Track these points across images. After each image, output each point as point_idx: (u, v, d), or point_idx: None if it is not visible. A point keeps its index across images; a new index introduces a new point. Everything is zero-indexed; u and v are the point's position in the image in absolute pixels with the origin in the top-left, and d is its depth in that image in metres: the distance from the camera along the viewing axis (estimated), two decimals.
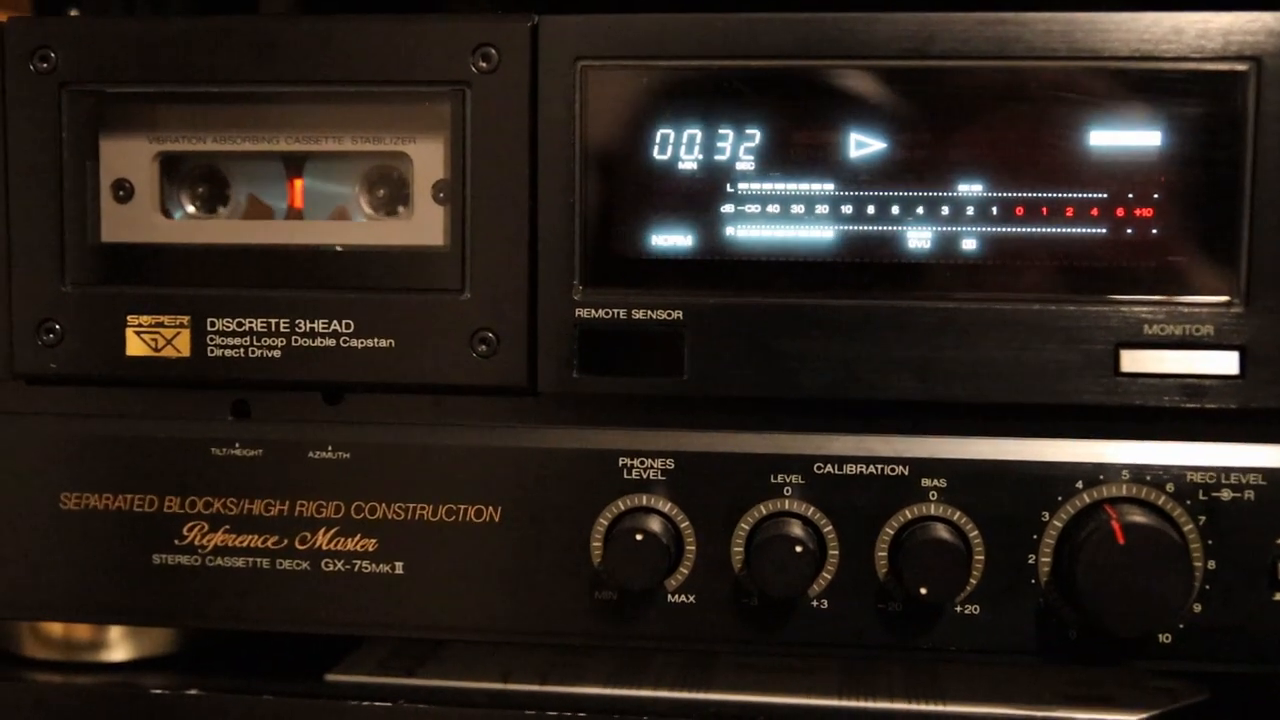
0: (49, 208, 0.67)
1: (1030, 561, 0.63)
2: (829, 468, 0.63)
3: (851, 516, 0.63)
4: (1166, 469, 0.62)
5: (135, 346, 0.66)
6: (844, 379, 0.63)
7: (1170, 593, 0.59)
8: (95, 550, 0.68)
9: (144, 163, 0.67)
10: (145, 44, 0.66)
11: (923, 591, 0.61)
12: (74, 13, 0.79)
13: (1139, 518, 0.60)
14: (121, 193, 0.67)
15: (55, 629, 0.74)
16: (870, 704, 0.68)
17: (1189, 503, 0.61)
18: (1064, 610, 0.62)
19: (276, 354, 0.65)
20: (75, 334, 0.67)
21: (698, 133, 0.63)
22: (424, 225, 0.65)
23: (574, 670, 0.72)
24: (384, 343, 0.65)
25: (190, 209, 0.68)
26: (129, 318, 0.66)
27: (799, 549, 0.62)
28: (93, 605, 0.69)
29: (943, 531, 0.62)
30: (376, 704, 0.67)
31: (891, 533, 0.63)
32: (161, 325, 0.66)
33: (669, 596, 0.65)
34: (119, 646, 0.75)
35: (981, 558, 0.63)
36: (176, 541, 0.68)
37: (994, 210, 0.62)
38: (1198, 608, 0.62)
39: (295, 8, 0.82)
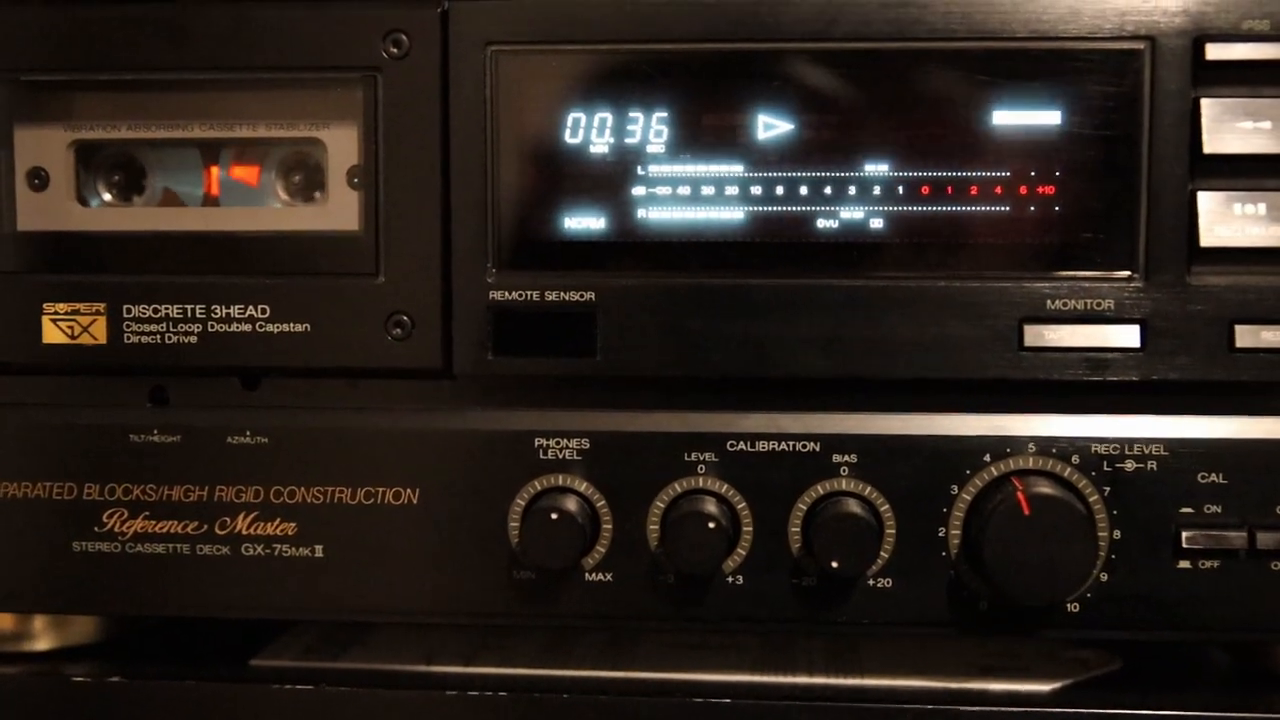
0: None
1: (940, 534, 0.64)
2: (741, 445, 0.64)
3: (764, 493, 0.64)
4: (1071, 441, 0.63)
5: (52, 334, 0.67)
6: (755, 357, 0.64)
7: (1075, 562, 0.61)
8: (15, 539, 0.68)
9: (59, 151, 0.67)
10: (59, 31, 0.66)
11: (835, 565, 0.62)
12: None
13: (1044, 489, 0.61)
14: (37, 181, 0.67)
15: None
16: (790, 679, 0.69)
17: (1094, 474, 0.63)
18: (974, 582, 0.64)
19: (193, 340, 0.66)
20: None
21: (608, 116, 0.64)
22: (338, 211, 0.66)
23: (499, 651, 0.72)
24: (300, 327, 0.65)
25: (107, 197, 0.68)
26: (45, 305, 0.66)
27: (712, 525, 0.62)
28: (13, 594, 0.69)
29: (854, 506, 0.63)
30: (300, 688, 0.68)
31: (804, 508, 0.64)
32: (78, 313, 0.66)
33: (587, 575, 0.65)
34: (43, 636, 0.74)
35: (893, 531, 0.64)
36: (96, 529, 0.68)
37: (899, 189, 0.63)
38: (1104, 577, 0.63)
39: None
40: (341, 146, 0.65)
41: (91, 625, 0.75)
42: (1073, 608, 0.63)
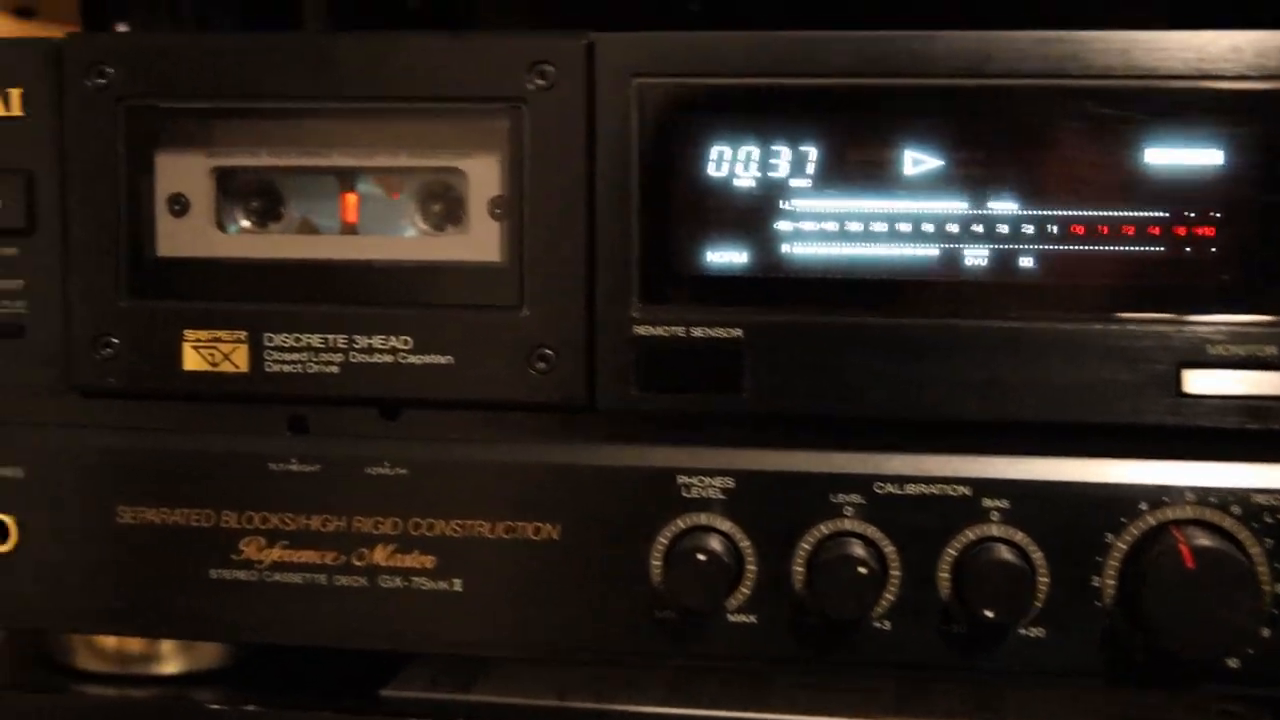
0: (106, 222, 0.67)
1: (1094, 584, 0.62)
2: (890, 487, 0.63)
3: (913, 537, 0.63)
4: (1231, 491, 0.61)
5: (192, 361, 0.66)
6: (904, 398, 0.62)
7: (1239, 617, 0.59)
8: (152, 564, 0.68)
9: (200, 177, 0.67)
10: (201, 59, 0.66)
11: (988, 614, 0.61)
12: (122, 27, 0.78)
13: (1207, 540, 0.59)
14: (177, 207, 0.67)
15: (108, 641, 0.74)
16: None
17: (1255, 525, 0.61)
18: (1129, 633, 0.62)
19: (334, 369, 0.65)
20: (132, 348, 0.66)
21: (754, 150, 0.63)
22: (480, 241, 0.65)
23: (630, 689, 0.71)
24: (443, 359, 0.64)
25: (245, 223, 0.68)
26: (186, 332, 0.66)
27: (862, 569, 0.61)
28: (150, 619, 0.69)
29: (1006, 553, 0.61)
30: None
31: (954, 554, 0.62)
32: (219, 340, 0.66)
33: (729, 616, 0.64)
34: (171, 660, 0.74)
35: (1045, 579, 0.62)
36: (233, 556, 0.67)
37: (1053, 229, 0.62)
38: (1266, 632, 0.61)
39: (329, 23, 0.81)
40: (483, 176, 0.65)
41: (218, 650, 0.75)
42: (1233, 663, 0.61)
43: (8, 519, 0.69)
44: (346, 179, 0.67)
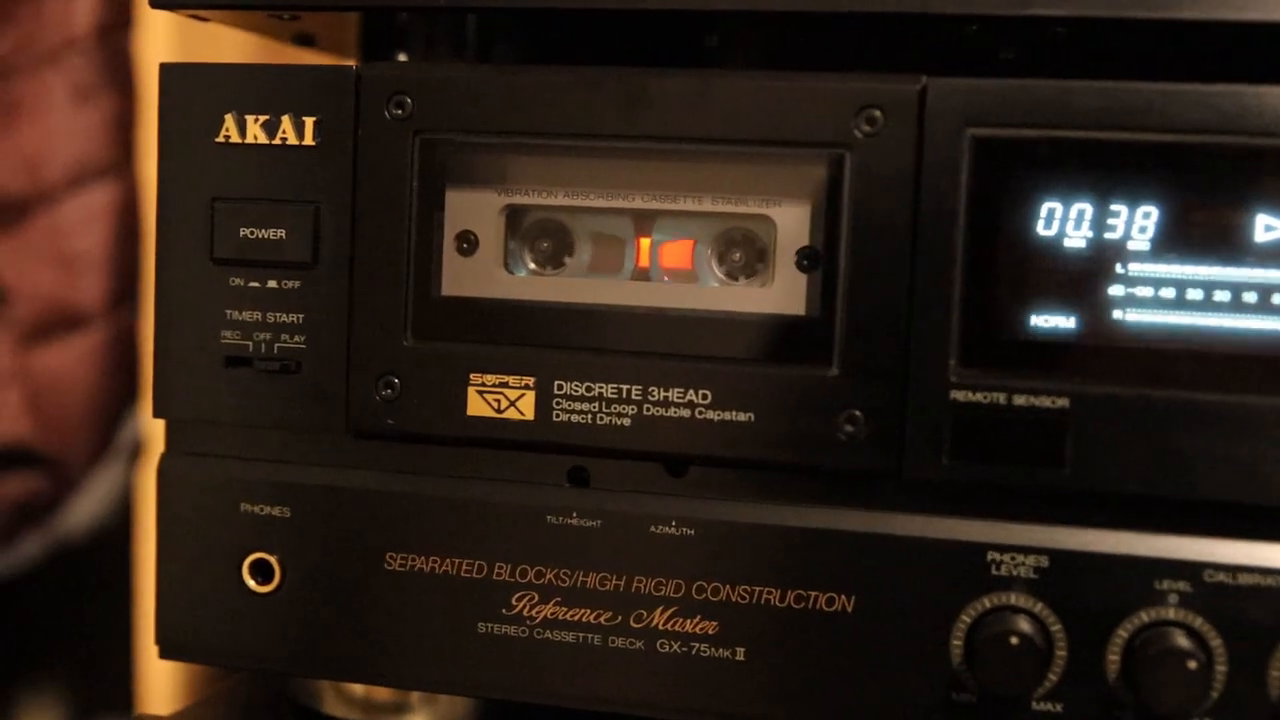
0: (392, 258, 0.64)
1: None
2: (1221, 576, 0.58)
3: (1244, 630, 0.58)
4: None
5: (477, 406, 0.64)
6: (1243, 480, 0.58)
7: None
8: (420, 614, 0.65)
9: (490, 215, 0.65)
10: (502, 93, 0.63)
11: None
12: (402, 57, 0.76)
13: None
14: (465, 245, 0.65)
15: (356, 689, 0.72)
16: None
17: None
18: None
19: (626, 422, 0.62)
20: (415, 390, 0.64)
21: (1088, 208, 0.59)
22: (785, 294, 0.62)
23: None
24: (743, 416, 0.61)
25: (531, 265, 0.65)
26: (471, 376, 0.64)
27: (1192, 665, 0.57)
28: (413, 670, 0.66)
29: None
30: None
31: None
32: (506, 385, 0.63)
33: (1034, 704, 0.60)
34: (419, 711, 0.72)
35: None
36: (504, 611, 0.65)
37: None
38: None
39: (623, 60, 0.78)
40: (792, 225, 0.62)
41: (469, 705, 0.72)
42: None
43: (271, 559, 0.67)
44: (643, 222, 0.64)
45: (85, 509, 1.18)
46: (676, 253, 0.64)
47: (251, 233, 0.66)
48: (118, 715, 1.24)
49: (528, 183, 0.65)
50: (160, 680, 1.06)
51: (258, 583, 0.67)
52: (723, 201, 0.63)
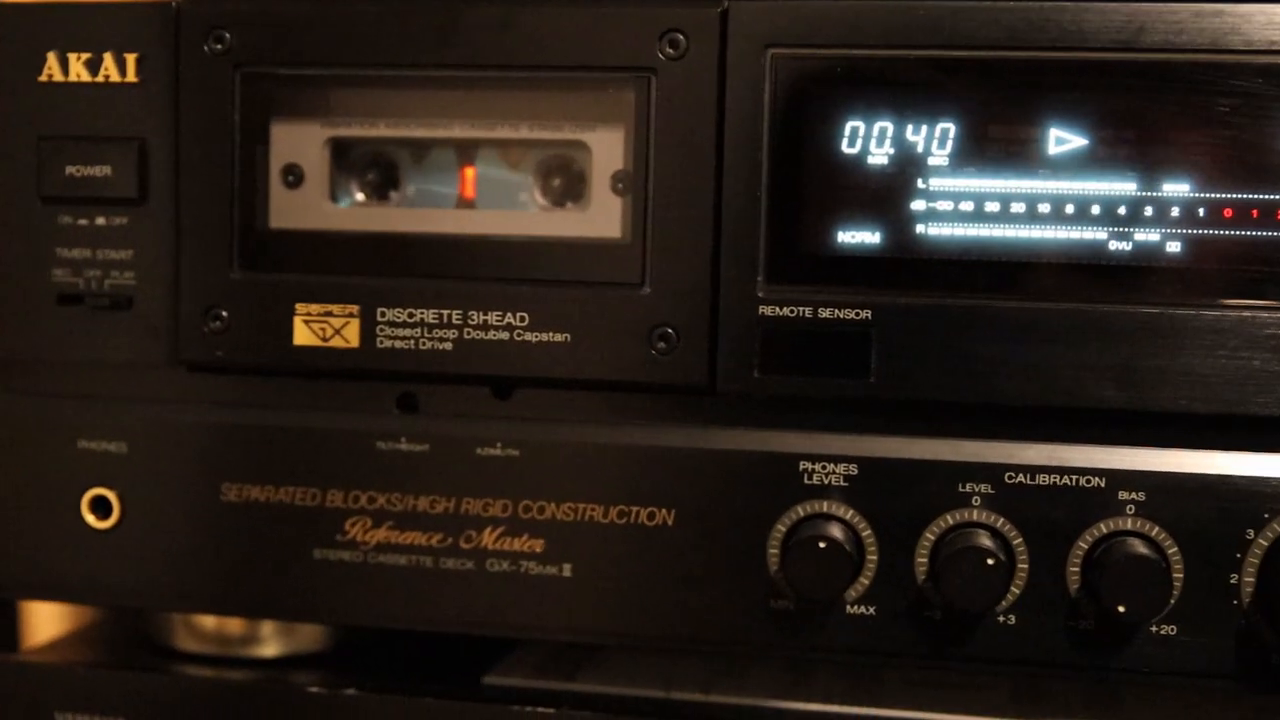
0: (218, 192, 0.65)
1: (1233, 581, 0.60)
2: (1021, 477, 0.61)
3: (1043, 529, 0.61)
4: None
5: (303, 335, 0.65)
6: (1039, 385, 0.60)
7: None
8: (255, 543, 0.67)
9: (315, 147, 0.66)
10: (321, 25, 0.64)
11: (1120, 610, 0.58)
12: None
13: None
14: (291, 178, 0.66)
15: (207, 622, 0.73)
16: None
17: None
18: (1268, 634, 0.59)
19: (448, 346, 0.64)
20: (242, 321, 0.65)
21: (889, 125, 0.61)
22: (601, 217, 0.63)
23: (737, 680, 0.69)
24: (559, 337, 0.63)
25: (359, 196, 0.66)
26: (297, 306, 0.65)
27: (990, 561, 0.59)
28: (252, 600, 0.67)
29: (1141, 547, 0.59)
30: (539, 709, 0.65)
31: (1085, 547, 0.60)
32: (330, 314, 0.64)
33: (848, 607, 0.62)
34: (271, 642, 0.73)
35: (1180, 576, 0.60)
36: (338, 537, 0.66)
37: (1201, 212, 0.59)
38: None
39: None
40: (607, 150, 0.63)
41: (319, 634, 0.73)
42: None
43: (110, 494, 0.68)
44: (465, 151, 0.65)
45: None
46: (499, 181, 0.66)
47: (78, 170, 0.66)
48: None
49: (351, 115, 0.66)
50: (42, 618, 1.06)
51: (98, 518, 0.68)
52: (540, 129, 0.65)
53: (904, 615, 0.62)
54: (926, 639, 0.62)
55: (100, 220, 0.66)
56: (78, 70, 0.66)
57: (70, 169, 0.66)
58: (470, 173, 0.66)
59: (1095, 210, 0.60)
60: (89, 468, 0.68)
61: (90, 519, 0.68)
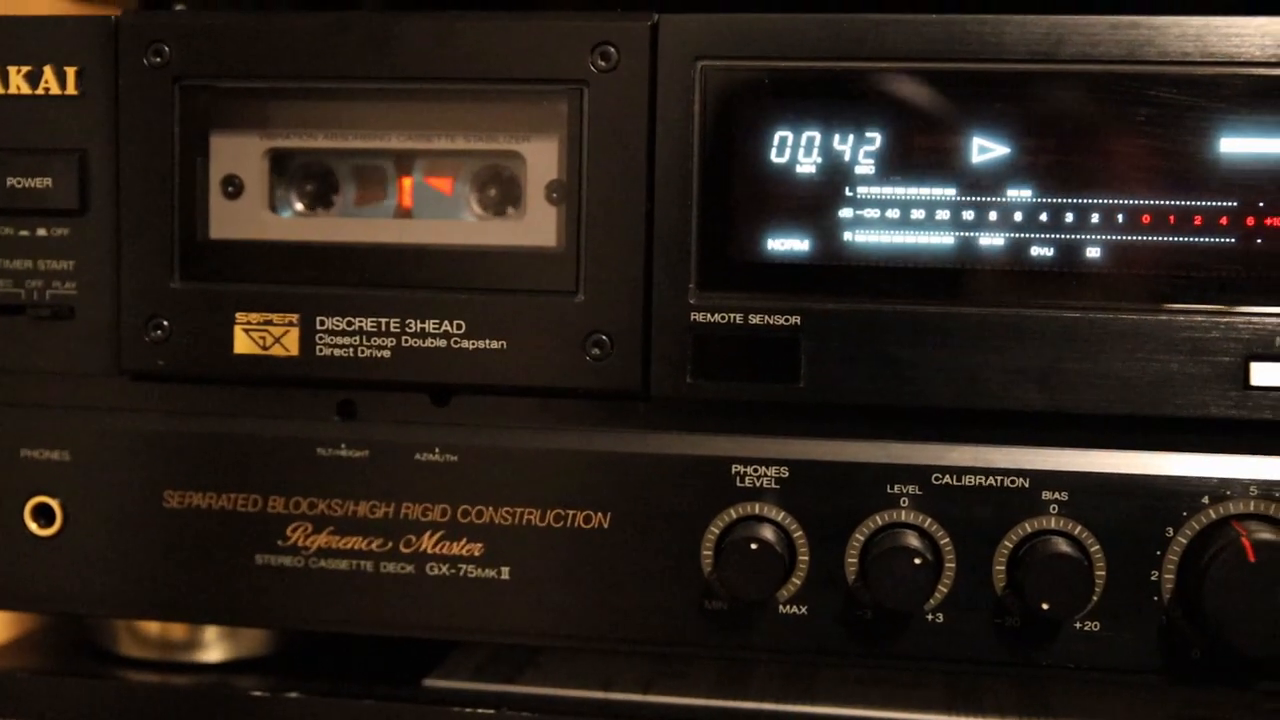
0: (159, 203, 0.66)
1: (1153, 578, 0.61)
2: (947, 478, 0.62)
3: (969, 529, 0.62)
4: None
5: (243, 344, 0.66)
6: (964, 388, 0.62)
7: None
8: (198, 549, 0.67)
9: (254, 159, 0.67)
10: (259, 39, 0.65)
11: (1044, 607, 0.60)
12: (180, 6, 0.78)
13: (1269, 535, 0.59)
14: (231, 189, 0.67)
15: (151, 627, 0.74)
16: None
17: None
18: (1187, 629, 0.61)
19: (386, 354, 0.65)
20: (183, 330, 0.66)
21: (817, 135, 0.62)
22: (536, 226, 0.64)
23: (676, 680, 0.71)
24: (495, 344, 0.64)
25: (299, 206, 0.67)
26: (237, 315, 0.66)
27: (917, 561, 0.60)
28: (194, 605, 0.68)
29: (1064, 546, 0.60)
30: (479, 711, 0.67)
31: (1010, 546, 0.62)
32: (270, 323, 0.65)
33: (780, 607, 0.63)
34: (214, 647, 0.74)
35: (1103, 573, 0.61)
36: (279, 542, 0.67)
37: (1119, 218, 0.61)
38: None
39: (389, 3, 0.81)
40: (541, 160, 0.64)
41: (261, 638, 0.74)
42: None
43: (53, 502, 0.69)
44: (403, 162, 0.66)
45: None
46: (436, 191, 0.67)
47: (19, 182, 0.67)
48: None
49: (290, 126, 0.67)
50: None
51: (40, 526, 0.69)
52: (476, 139, 0.66)
53: (835, 615, 0.63)
54: (858, 638, 0.63)
55: (41, 231, 0.67)
56: (18, 83, 0.67)
57: (11, 180, 0.67)
58: (408, 183, 0.67)
59: (1017, 217, 0.61)
60: (31, 476, 0.68)
61: (33, 527, 0.69)
